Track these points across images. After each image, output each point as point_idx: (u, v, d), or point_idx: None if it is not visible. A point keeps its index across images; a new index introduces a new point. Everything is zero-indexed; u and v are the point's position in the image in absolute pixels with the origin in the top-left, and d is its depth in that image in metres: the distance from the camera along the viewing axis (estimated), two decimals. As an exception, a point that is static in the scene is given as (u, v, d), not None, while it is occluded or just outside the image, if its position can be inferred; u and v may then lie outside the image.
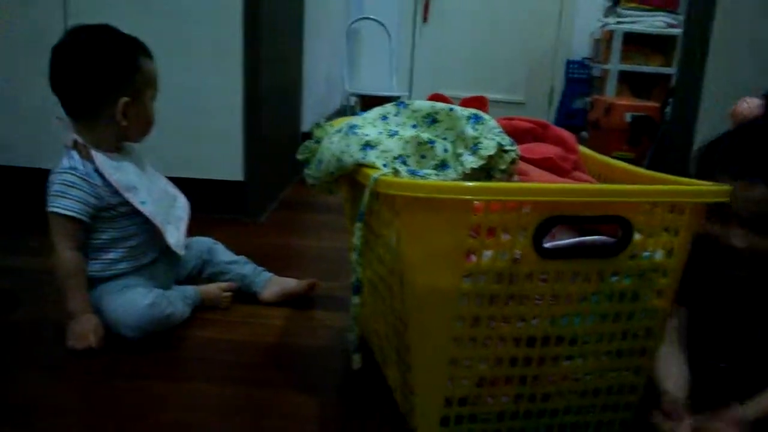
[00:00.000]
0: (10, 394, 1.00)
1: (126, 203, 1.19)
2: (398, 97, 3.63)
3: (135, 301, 1.15)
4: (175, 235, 1.28)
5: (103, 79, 1.17)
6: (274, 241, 1.82)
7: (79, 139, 1.19)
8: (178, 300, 1.24)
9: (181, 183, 1.40)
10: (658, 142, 2.76)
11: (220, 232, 1.48)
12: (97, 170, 1.18)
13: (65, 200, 1.15)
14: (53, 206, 1.15)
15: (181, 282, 1.34)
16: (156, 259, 1.28)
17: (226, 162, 1.93)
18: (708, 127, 1.96)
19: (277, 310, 1.34)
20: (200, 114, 1.89)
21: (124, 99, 1.18)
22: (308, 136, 1.09)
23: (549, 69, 4.39)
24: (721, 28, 1.91)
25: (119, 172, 1.20)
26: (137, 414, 0.97)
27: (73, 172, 1.16)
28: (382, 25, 3.75)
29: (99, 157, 1.18)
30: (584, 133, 3.67)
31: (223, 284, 1.35)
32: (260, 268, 1.41)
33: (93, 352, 1.11)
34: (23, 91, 1.89)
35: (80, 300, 1.16)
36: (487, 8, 4.31)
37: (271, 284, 1.38)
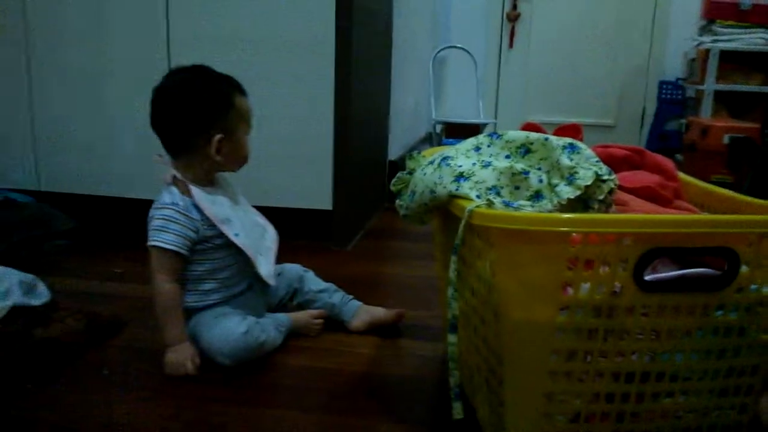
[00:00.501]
0: (107, 416, 1.05)
1: (221, 235, 1.24)
2: (485, 125, 3.63)
3: (230, 329, 1.19)
4: (265, 265, 1.31)
5: (196, 117, 1.21)
6: (361, 269, 1.84)
7: (178, 175, 1.24)
8: (271, 327, 1.27)
9: (271, 211, 1.45)
10: (760, 166, 2.62)
11: (309, 259, 1.52)
12: (195, 204, 1.22)
13: (166, 234, 1.19)
14: (154, 240, 1.20)
15: (272, 310, 1.37)
16: (248, 288, 1.32)
17: (316, 191, 1.98)
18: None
19: (365, 339, 1.35)
20: (292, 144, 1.95)
21: (218, 136, 1.21)
22: (395, 164, 1.10)
23: (640, 90, 4.26)
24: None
25: (215, 205, 1.24)
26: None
27: (174, 207, 1.21)
28: (469, 53, 3.77)
29: (196, 192, 1.23)
30: (678, 156, 3.53)
31: (314, 311, 1.38)
32: (349, 297, 1.43)
33: (188, 378, 1.16)
34: (127, 128, 2.02)
35: (178, 330, 1.21)
36: (573, 31, 4.24)
37: (360, 313, 1.39)
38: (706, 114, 3.56)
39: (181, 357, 1.18)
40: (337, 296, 1.42)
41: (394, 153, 2.67)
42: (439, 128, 3.63)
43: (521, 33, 4.31)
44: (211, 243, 1.24)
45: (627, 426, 0.87)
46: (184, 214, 1.21)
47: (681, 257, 0.84)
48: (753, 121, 3.24)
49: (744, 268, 0.80)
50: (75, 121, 2.07)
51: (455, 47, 3.79)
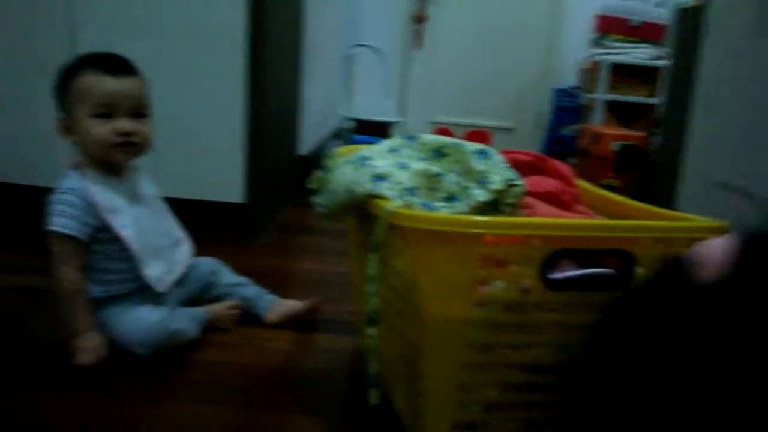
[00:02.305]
0: (18, 413, 1.02)
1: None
2: (393, 123, 3.70)
3: (142, 317, 1.19)
4: (158, 269, 1.27)
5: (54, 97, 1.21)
6: (273, 264, 1.84)
7: (80, 159, 1.22)
8: (185, 318, 1.26)
9: (182, 204, 1.43)
10: (645, 171, 2.82)
11: (221, 253, 1.51)
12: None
13: (63, 219, 1.17)
14: (51, 225, 1.17)
15: (185, 305, 1.35)
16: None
17: (228, 184, 1.96)
18: (695, 158, 2.02)
19: (281, 333, 1.36)
20: (203, 136, 1.93)
21: (61, 115, 1.21)
22: (307, 159, 1.12)
23: (537, 97, 4.48)
24: (707, 61, 1.97)
25: (106, 194, 1.21)
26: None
27: (70, 191, 1.18)
28: (379, 52, 3.83)
29: (89, 177, 1.21)
30: (571, 159, 3.74)
31: (229, 302, 1.38)
32: (264, 290, 1.43)
33: (100, 371, 1.14)
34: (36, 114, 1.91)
35: (84, 317, 1.18)
36: (478, 37, 4.39)
37: (276, 306, 1.40)
38: (597, 121, 3.79)
39: (90, 344, 1.16)
40: (251, 290, 1.42)
41: (304, 147, 2.68)
42: (348, 125, 3.67)
43: (428, 35, 4.41)
44: (109, 232, 1.21)
45: (536, 414, 0.94)
46: (80, 199, 1.18)
47: (582, 258, 0.91)
48: (639, 129, 3.48)
49: (638, 269, 0.88)
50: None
51: (365, 46, 3.84)
